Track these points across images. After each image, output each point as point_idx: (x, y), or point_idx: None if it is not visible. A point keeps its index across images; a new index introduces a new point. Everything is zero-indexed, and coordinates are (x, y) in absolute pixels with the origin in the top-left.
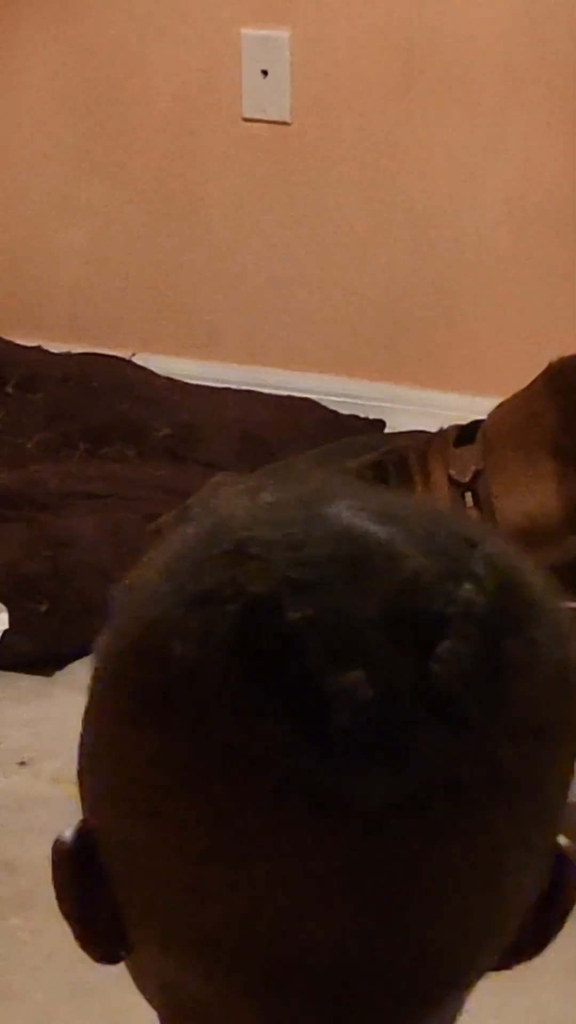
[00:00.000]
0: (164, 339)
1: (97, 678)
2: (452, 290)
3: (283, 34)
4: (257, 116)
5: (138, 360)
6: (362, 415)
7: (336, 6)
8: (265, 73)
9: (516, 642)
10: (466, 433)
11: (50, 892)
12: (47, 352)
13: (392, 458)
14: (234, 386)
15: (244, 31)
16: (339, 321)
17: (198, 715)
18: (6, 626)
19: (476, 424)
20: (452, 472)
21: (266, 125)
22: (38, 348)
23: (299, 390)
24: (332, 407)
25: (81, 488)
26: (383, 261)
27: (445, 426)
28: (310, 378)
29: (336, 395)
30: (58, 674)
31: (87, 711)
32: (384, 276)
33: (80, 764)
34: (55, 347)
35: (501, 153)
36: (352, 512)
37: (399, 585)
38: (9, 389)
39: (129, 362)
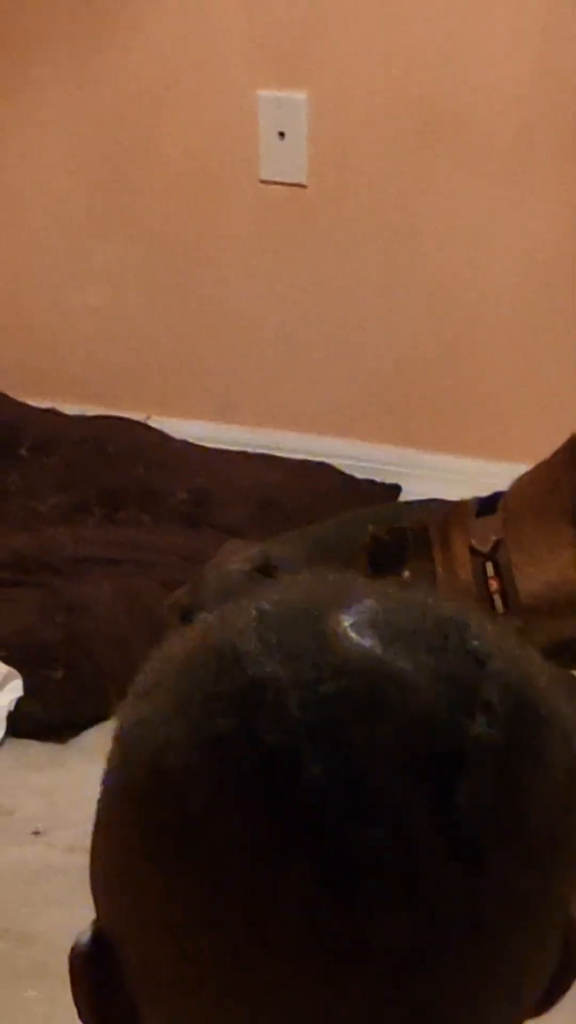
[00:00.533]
0: (179, 402)
1: (109, 802)
2: (468, 353)
3: (300, 96)
4: (274, 178)
5: (153, 423)
6: (378, 479)
7: (353, 68)
8: (282, 135)
9: (531, 769)
10: (487, 504)
11: (65, 963)
12: (61, 415)
13: (413, 527)
14: (249, 449)
15: (261, 93)
16: (355, 384)
17: (217, 863)
18: (20, 693)
19: (497, 495)
20: (473, 542)
21: (283, 187)
22: (52, 410)
23: (315, 454)
24: (348, 471)
25: (96, 553)
26: (399, 324)
27: (465, 496)
28: (326, 442)
29: (352, 459)
30: (72, 741)
31: (97, 825)
32: (400, 339)
33: (92, 869)
34: (69, 409)
35: (517, 214)
36: (360, 633)
37: (412, 723)
38: (23, 452)
39: (144, 425)
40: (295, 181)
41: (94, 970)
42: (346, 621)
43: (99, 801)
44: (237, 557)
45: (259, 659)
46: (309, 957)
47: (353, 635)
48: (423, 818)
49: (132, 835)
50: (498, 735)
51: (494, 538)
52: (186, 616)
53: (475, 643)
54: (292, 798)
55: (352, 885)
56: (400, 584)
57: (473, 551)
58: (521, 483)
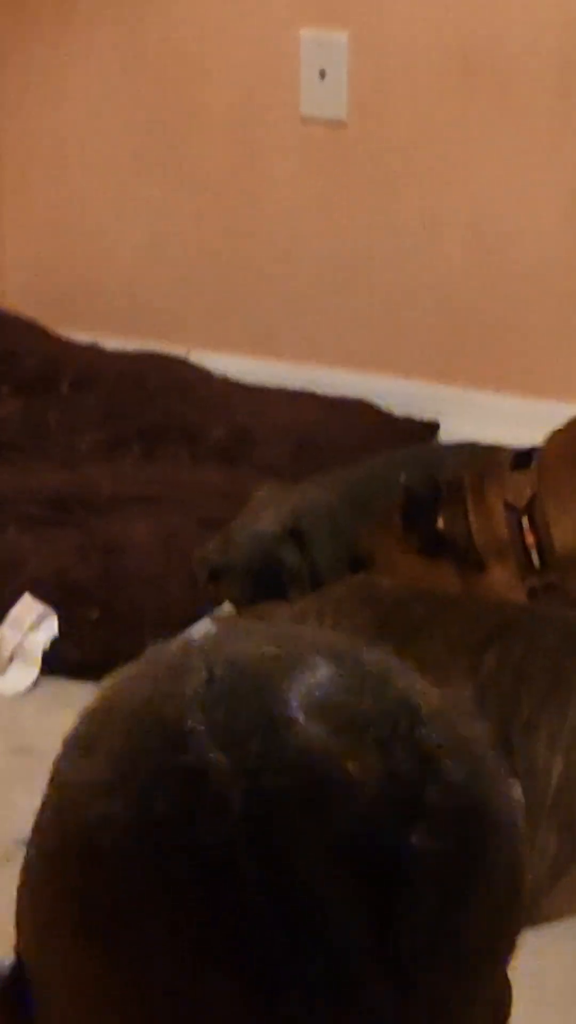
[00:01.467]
0: (219, 337)
1: (44, 854)
2: (509, 291)
3: (341, 36)
4: (315, 116)
5: (193, 358)
6: (416, 417)
7: (394, 8)
8: (323, 74)
9: (472, 880)
10: (522, 458)
11: None
12: (102, 351)
13: (449, 479)
14: (289, 385)
15: (303, 32)
16: (395, 321)
17: (143, 954)
18: (56, 633)
19: (532, 449)
20: (508, 497)
21: (323, 125)
22: (93, 346)
23: (354, 390)
24: (386, 408)
25: (134, 492)
26: (439, 260)
27: (504, 435)
28: (365, 378)
29: (390, 396)
30: (159, 644)
31: (30, 862)
32: (440, 276)
33: (19, 894)
34: (110, 344)
35: (557, 153)
36: (309, 717)
37: (353, 831)
38: (63, 389)
39: (184, 361)
40: (336, 119)
41: (9, 997)
42: (296, 700)
43: (33, 843)
44: (268, 516)
45: (203, 743)
46: None
47: (302, 720)
48: (357, 935)
49: (64, 897)
50: (439, 845)
51: (529, 492)
52: (214, 574)
53: (423, 733)
54: (225, 901)
55: (278, 999)
56: (354, 636)
57: (508, 506)
58: (556, 437)
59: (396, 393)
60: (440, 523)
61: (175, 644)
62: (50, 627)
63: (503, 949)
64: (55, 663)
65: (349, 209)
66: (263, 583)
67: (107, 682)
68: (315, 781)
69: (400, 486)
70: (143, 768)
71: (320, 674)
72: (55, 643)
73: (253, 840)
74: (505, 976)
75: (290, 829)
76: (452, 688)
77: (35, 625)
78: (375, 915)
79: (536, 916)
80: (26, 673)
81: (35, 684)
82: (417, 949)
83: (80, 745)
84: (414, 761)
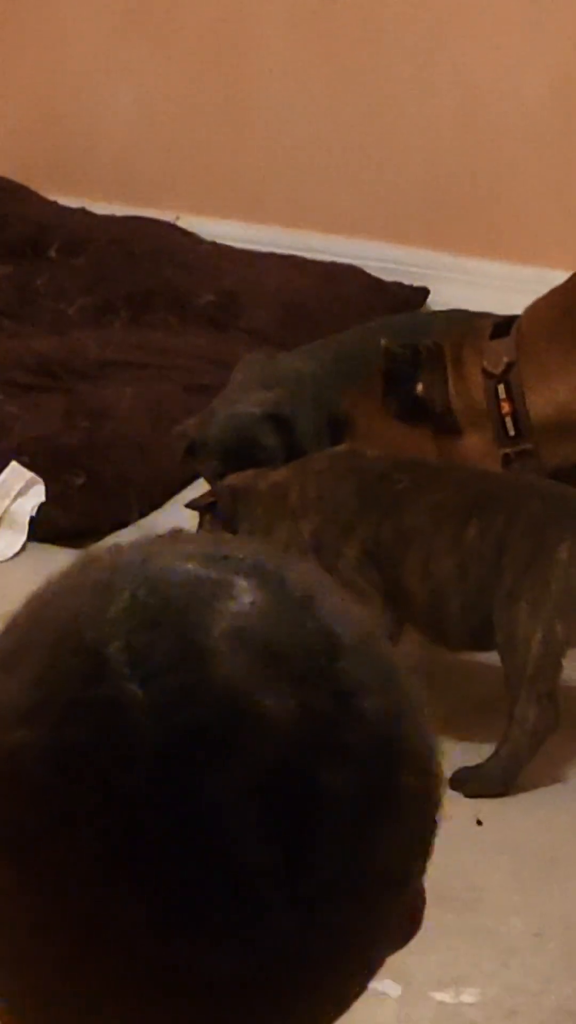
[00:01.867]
0: (209, 201)
1: None
2: (498, 157)
3: None
4: None
5: (182, 223)
6: (406, 282)
7: None
8: None
9: (383, 818)
10: (502, 326)
11: None
12: (91, 214)
13: (428, 345)
14: (278, 250)
15: None
16: (385, 187)
17: (58, 878)
18: (43, 499)
19: (512, 318)
20: (485, 364)
21: None
22: (82, 210)
23: (343, 255)
24: (376, 274)
25: (121, 357)
26: (430, 127)
27: (493, 302)
28: (355, 244)
29: (380, 261)
30: (95, 548)
31: None
32: (431, 142)
33: None
34: (99, 208)
35: (550, 21)
36: (229, 650)
37: (267, 771)
38: (52, 253)
39: (173, 226)
40: None
41: None
42: (217, 629)
43: None
44: (250, 396)
45: (121, 673)
46: (135, 982)
47: (221, 652)
48: (264, 867)
49: None
50: (351, 782)
51: (506, 360)
52: (191, 450)
53: (342, 668)
54: (135, 831)
55: (184, 925)
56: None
57: (486, 373)
58: (536, 307)
59: (386, 259)
60: (420, 388)
61: (105, 556)
62: (37, 494)
63: (415, 871)
64: (42, 529)
65: (340, 74)
66: (237, 461)
67: (39, 589)
68: (230, 717)
69: (383, 349)
70: (61, 697)
71: (243, 601)
72: (42, 509)
73: (165, 773)
74: (419, 886)
75: (202, 764)
76: (435, 560)
77: (22, 492)
78: (283, 849)
79: (515, 785)
80: (13, 539)
81: (23, 550)
82: (324, 882)
83: (3, 659)
84: (330, 698)
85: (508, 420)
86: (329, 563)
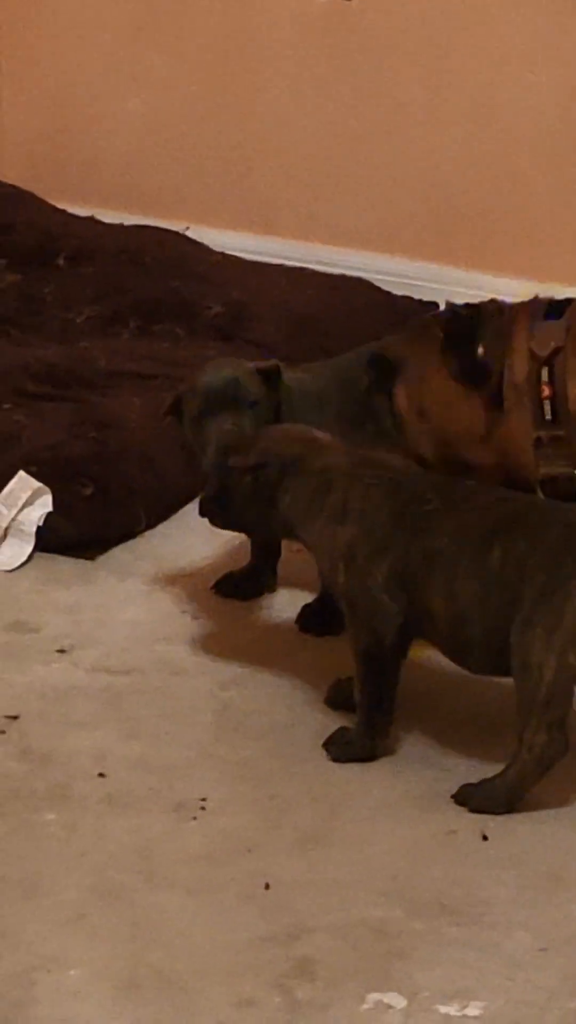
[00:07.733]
0: (219, 212)
1: None
2: (510, 173)
3: None
4: None
5: (192, 234)
6: (415, 296)
7: None
8: None
9: None
10: (556, 308)
11: (87, 788)
12: (100, 223)
13: (491, 308)
14: (287, 262)
15: None
16: (394, 200)
17: None
18: (49, 509)
19: (568, 301)
20: (533, 345)
21: (327, 1)
22: (91, 219)
23: (353, 268)
24: (385, 287)
25: (129, 367)
26: (441, 142)
27: (539, 295)
28: (364, 256)
29: (390, 275)
30: (100, 559)
31: None
32: (442, 157)
33: None
34: (108, 217)
35: (562, 36)
36: None
37: None
38: (60, 262)
39: (182, 236)
40: None
41: None
42: None
43: None
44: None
45: None
46: None
47: None
48: None
49: None
50: None
51: (554, 345)
52: (176, 405)
53: None
54: None
55: None
56: None
57: (532, 354)
58: None
59: (395, 272)
60: (480, 351)
61: None
62: (44, 504)
63: None
64: (49, 539)
65: (350, 86)
66: (220, 403)
67: None
68: None
69: (447, 306)
70: None
71: None
72: (49, 518)
73: None
74: None
75: None
76: (459, 582)
77: (30, 501)
78: None
79: (521, 805)
80: (21, 549)
81: (29, 560)
82: None
83: None
84: None
85: (547, 404)
86: (360, 580)
